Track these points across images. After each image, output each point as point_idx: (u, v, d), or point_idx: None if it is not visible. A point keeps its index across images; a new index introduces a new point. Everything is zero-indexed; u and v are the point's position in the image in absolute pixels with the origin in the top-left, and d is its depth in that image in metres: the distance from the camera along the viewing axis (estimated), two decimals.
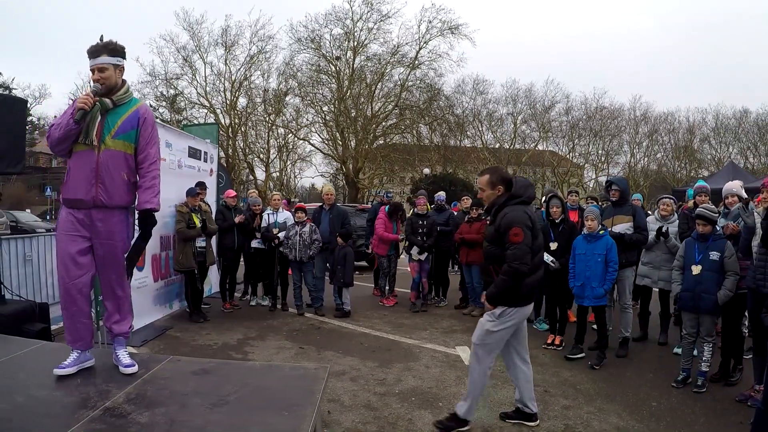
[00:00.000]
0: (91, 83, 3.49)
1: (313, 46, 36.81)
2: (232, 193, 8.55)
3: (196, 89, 37.42)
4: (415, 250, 8.39)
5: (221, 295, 8.34)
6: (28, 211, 35.16)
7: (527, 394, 4.11)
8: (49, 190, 39.06)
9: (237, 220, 8.03)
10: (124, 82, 3.51)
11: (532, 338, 6.58)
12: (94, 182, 3.36)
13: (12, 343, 4.22)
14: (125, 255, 3.60)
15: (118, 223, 3.52)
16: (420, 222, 8.44)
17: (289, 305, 8.30)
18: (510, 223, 3.72)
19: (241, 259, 8.55)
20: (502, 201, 3.88)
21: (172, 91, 37.10)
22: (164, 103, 37.19)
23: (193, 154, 8.35)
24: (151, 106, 36.54)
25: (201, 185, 7.63)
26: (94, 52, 3.40)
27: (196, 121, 36.63)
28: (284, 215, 8.34)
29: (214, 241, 8.17)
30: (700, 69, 68.90)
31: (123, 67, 3.50)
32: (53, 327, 5.87)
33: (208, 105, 37.38)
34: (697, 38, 77.54)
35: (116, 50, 3.45)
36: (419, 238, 8.35)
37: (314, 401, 3.21)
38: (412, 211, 9.48)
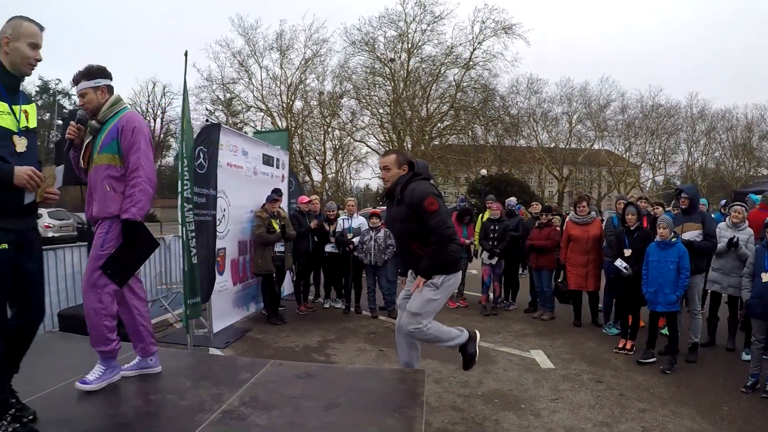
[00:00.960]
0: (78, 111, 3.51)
1: (367, 48, 37.28)
2: (305, 198, 8.76)
3: (253, 93, 38.39)
4: (486, 254, 8.40)
5: (296, 298, 8.57)
6: None
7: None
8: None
9: (312, 225, 8.22)
10: (108, 99, 3.46)
11: (602, 342, 6.81)
12: (89, 200, 3.45)
13: None
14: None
15: (101, 233, 3.36)
16: (492, 227, 8.45)
17: (362, 308, 8.47)
18: (422, 195, 3.75)
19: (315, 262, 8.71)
20: (406, 179, 3.91)
21: (228, 95, 38.02)
22: (220, 107, 38.18)
23: (267, 161, 8.60)
24: (207, 109, 37.66)
25: (277, 192, 7.85)
26: (74, 80, 3.46)
27: (252, 124, 37.56)
28: (359, 221, 8.53)
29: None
30: (758, 64, 66.29)
31: (104, 87, 3.46)
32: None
33: (265, 108, 38.19)
34: (754, 32, 74.56)
35: (92, 73, 3.44)
36: (490, 243, 8.37)
37: (420, 403, 3.32)
38: (481, 215, 9.52)
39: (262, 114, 38.48)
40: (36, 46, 2.82)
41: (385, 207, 4.15)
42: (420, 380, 3.74)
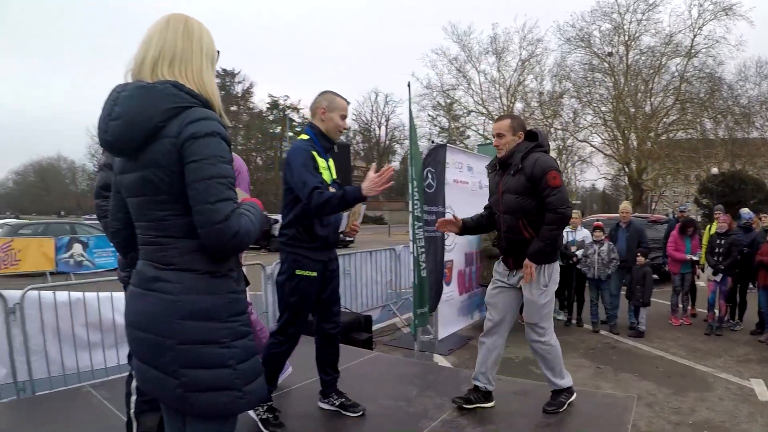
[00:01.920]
0: None
1: (582, 44, 35.96)
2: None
3: (473, 97, 39.11)
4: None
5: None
6: None
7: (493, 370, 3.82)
8: None
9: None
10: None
11: None
12: None
13: (347, 351, 5.10)
14: None
15: None
16: (719, 241, 7.81)
17: (583, 321, 8.36)
18: (546, 167, 3.48)
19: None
20: (527, 148, 3.61)
21: (448, 101, 39.26)
22: (441, 112, 39.51)
23: None
24: (429, 115, 39.40)
25: None
26: None
27: (474, 128, 38.24)
28: (582, 233, 8.47)
29: None
30: None
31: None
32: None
33: (486, 112, 38.61)
34: None
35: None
36: (715, 259, 7.75)
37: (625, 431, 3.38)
38: (708, 227, 8.78)
39: (484, 118, 39.01)
40: (344, 117, 3.50)
41: (490, 175, 3.99)
42: (629, 408, 3.77)
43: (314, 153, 3.31)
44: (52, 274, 13.77)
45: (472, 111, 39.56)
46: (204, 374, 1.64)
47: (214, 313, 1.67)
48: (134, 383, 2.74)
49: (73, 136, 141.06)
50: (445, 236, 7.21)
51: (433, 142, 7.48)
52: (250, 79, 59.40)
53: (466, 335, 7.70)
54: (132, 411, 2.80)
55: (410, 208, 6.43)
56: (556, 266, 3.69)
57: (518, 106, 38.59)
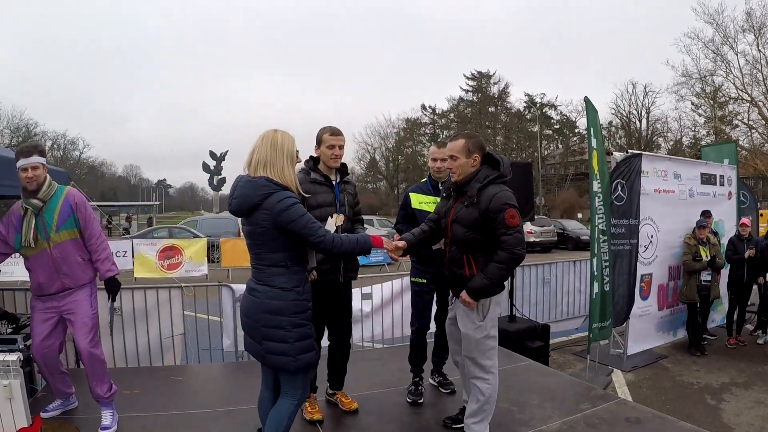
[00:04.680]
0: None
1: None
2: (746, 221, 8.03)
3: (733, 83, 34.40)
4: None
5: (727, 329, 7.99)
6: (579, 216, 37.28)
7: None
8: None
9: (747, 254, 7.55)
10: (45, 178, 3.78)
11: None
12: (57, 275, 3.74)
13: (511, 357, 5.47)
14: (95, 322, 3.89)
15: (85, 298, 3.85)
16: None
17: None
18: (503, 204, 3.20)
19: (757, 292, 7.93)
20: (487, 178, 3.32)
21: (709, 88, 35.17)
22: (703, 100, 35.56)
23: (707, 180, 8.29)
24: (692, 103, 35.45)
25: (706, 214, 7.56)
26: (26, 152, 3.67)
27: (739, 117, 33.81)
28: None
29: (725, 272, 7.92)
30: None
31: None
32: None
33: (749, 99, 33.74)
34: None
35: (43, 152, 3.82)
36: None
37: None
38: None
39: (748, 105, 34.17)
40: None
41: (442, 200, 3.71)
42: None
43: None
44: None
45: (734, 98, 34.83)
46: (274, 345, 2.78)
47: (281, 311, 2.78)
48: None
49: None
50: (642, 248, 7.02)
51: (627, 152, 7.29)
52: (505, 79, 59.50)
53: (660, 353, 7.35)
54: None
55: (594, 223, 6.42)
56: (499, 300, 3.46)
57: None
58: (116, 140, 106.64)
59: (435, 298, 4.45)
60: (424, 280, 4.29)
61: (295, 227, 2.72)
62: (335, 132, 3.87)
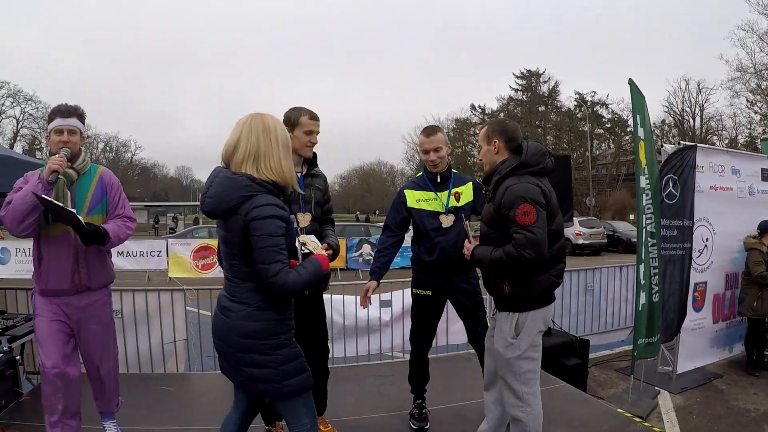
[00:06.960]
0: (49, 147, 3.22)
1: None
2: None
3: None
4: None
5: None
6: (632, 218, 36.33)
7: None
8: None
9: None
10: (80, 150, 3.26)
11: None
12: (75, 268, 3.14)
13: (542, 378, 4.69)
14: (115, 338, 3.47)
15: (104, 304, 3.33)
16: None
17: None
18: (514, 199, 2.74)
19: None
20: (507, 169, 2.88)
21: (764, 84, 33.51)
22: (759, 96, 33.83)
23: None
24: (747, 100, 33.75)
25: None
26: (66, 111, 3.17)
27: None
28: None
29: None
30: None
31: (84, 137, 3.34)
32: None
33: None
34: None
35: (83, 117, 3.27)
36: None
37: None
38: None
39: None
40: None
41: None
42: None
43: None
44: (341, 270, 15.91)
45: None
46: (255, 372, 2.34)
47: (259, 334, 2.32)
48: None
49: (389, 144, 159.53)
50: (697, 253, 6.23)
51: (680, 143, 6.49)
52: (555, 77, 57.89)
53: (713, 372, 6.50)
54: None
55: (641, 224, 5.67)
56: (536, 318, 2.93)
57: None
58: (171, 142, 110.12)
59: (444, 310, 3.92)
60: (429, 293, 3.73)
61: (254, 242, 2.24)
62: (314, 116, 3.28)
